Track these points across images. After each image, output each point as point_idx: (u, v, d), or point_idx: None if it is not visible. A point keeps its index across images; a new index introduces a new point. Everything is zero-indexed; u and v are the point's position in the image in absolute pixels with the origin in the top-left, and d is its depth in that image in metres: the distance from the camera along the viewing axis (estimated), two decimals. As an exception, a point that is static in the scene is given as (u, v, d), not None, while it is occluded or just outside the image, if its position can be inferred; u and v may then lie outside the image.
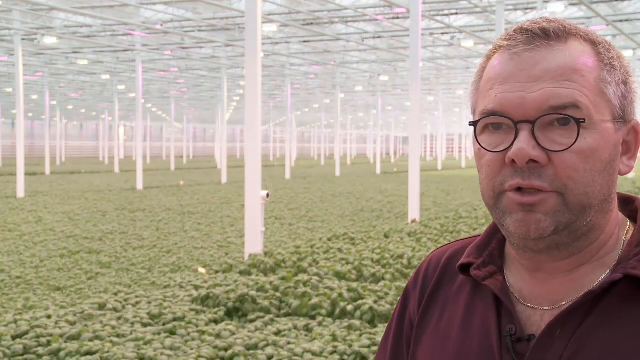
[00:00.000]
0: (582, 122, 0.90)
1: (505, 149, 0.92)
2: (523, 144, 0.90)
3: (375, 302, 6.49)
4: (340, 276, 7.81)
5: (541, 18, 0.96)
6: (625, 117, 0.96)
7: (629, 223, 1.01)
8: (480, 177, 0.97)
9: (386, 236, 11.26)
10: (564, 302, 0.96)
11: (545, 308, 0.97)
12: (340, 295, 6.57)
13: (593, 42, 0.96)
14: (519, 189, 0.91)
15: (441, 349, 1.04)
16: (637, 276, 0.92)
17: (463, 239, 1.13)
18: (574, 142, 0.90)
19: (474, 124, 0.96)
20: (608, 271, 0.96)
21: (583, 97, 0.91)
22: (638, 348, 0.89)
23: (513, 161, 0.91)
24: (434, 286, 1.10)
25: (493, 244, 1.06)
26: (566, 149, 0.90)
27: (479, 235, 1.09)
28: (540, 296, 0.98)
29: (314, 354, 4.97)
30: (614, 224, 0.99)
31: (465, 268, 1.05)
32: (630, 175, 31.64)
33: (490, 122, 0.94)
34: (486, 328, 1.00)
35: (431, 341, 1.06)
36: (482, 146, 0.95)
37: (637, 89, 0.99)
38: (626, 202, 1.04)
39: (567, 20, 0.97)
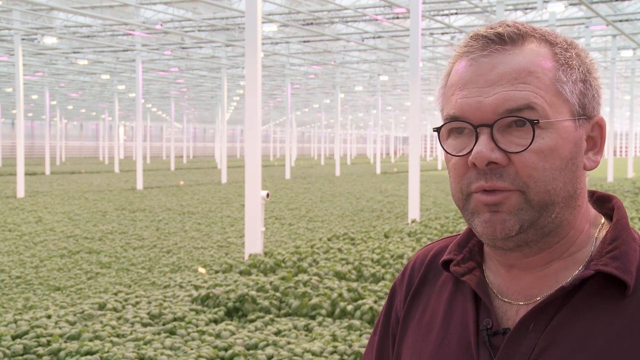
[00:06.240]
0: (536, 122, 0.93)
1: (467, 153, 0.95)
2: (481, 147, 0.93)
3: (375, 302, 6.49)
4: (340, 276, 7.80)
5: (499, 22, 0.99)
6: (587, 114, 0.98)
7: (603, 220, 1.04)
8: (450, 180, 1.01)
9: (386, 236, 11.25)
10: (539, 298, 0.99)
11: (520, 303, 1.00)
12: (340, 295, 6.57)
13: (550, 43, 0.98)
14: (484, 190, 0.94)
15: (423, 342, 1.07)
16: (607, 273, 0.95)
17: (448, 237, 1.16)
18: (530, 143, 0.93)
19: (437, 129, 1.00)
20: (581, 267, 0.99)
21: (538, 98, 0.94)
22: (605, 341, 0.92)
23: (475, 164, 0.94)
24: (419, 282, 1.13)
25: (473, 240, 1.08)
26: (524, 150, 0.93)
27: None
28: (516, 292, 1.01)
29: (314, 354, 4.97)
30: (584, 220, 1.01)
31: (447, 264, 1.08)
32: (630, 175, 31.61)
33: (453, 127, 0.98)
34: (465, 322, 1.03)
35: (414, 335, 1.09)
36: (446, 151, 0.98)
37: (602, 85, 1.01)
38: (603, 201, 1.07)
39: (524, 23, 0.99)
